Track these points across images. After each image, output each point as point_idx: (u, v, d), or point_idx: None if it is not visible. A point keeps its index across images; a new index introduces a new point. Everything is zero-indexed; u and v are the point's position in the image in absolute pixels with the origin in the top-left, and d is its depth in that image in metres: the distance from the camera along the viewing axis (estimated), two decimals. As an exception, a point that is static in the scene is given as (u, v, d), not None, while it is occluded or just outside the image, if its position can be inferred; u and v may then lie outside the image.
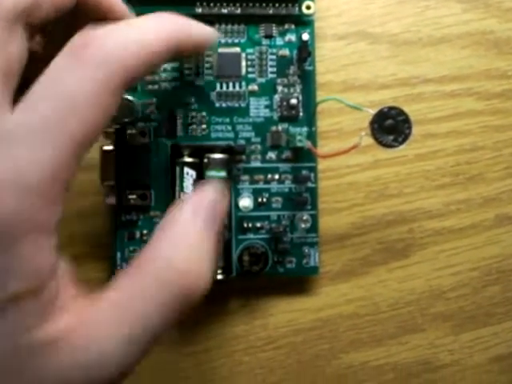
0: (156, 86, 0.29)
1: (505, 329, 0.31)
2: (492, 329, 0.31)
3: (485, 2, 0.31)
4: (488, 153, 0.31)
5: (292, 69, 0.29)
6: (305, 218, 0.29)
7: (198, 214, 0.21)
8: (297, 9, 0.29)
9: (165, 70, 0.29)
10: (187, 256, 0.20)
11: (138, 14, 0.28)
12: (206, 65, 0.29)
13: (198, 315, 0.30)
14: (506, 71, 0.31)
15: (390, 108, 0.26)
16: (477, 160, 0.31)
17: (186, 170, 0.28)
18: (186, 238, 0.21)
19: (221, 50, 0.29)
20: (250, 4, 0.29)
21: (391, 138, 0.26)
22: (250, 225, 0.29)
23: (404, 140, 0.26)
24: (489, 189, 0.31)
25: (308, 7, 0.29)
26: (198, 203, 0.22)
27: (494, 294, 0.31)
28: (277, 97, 0.29)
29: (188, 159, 0.28)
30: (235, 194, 0.29)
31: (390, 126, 0.26)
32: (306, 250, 0.29)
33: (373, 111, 0.26)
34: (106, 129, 0.28)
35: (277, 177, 0.29)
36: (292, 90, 0.29)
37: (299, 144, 0.28)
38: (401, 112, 0.26)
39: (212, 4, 0.29)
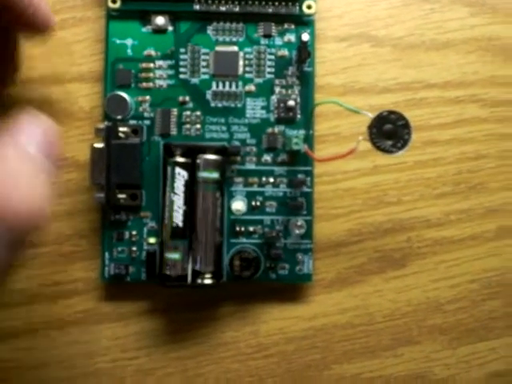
0: (150, 84, 0.28)
1: (503, 344, 0.30)
2: (490, 343, 0.30)
3: (492, 7, 0.30)
4: (491, 161, 0.30)
5: (290, 70, 0.29)
6: (299, 223, 0.28)
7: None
8: (297, 8, 0.28)
9: (160, 68, 0.28)
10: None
11: (137, 10, 0.28)
12: (203, 63, 0.28)
13: (186, 320, 0.29)
14: (513, 78, 0.30)
15: (390, 112, 0.25)
16: (479, 169, 0.30)
17: (177, 170, 0.27)
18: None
19: (218, 48, 0.29)
20: (249, 2, 0.28)
21: (390, 143, 0.25)
22: (243, 229, 0.28)
23: (403, 146, 0.25)
24: (491, 199, 0.30)
25: (309, 7, 0.28)
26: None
27: (493, 308, 0.30)
28: (274, 98, 0.29)
29: (180, 159, 0.27)
30: (228, 196, 0.28)
31: (389, 131, 0.25)
32: (300, 257, 0.28)
33: (372, 115, 0.25)
34: (96, 125, 0.27)
35: (272, 180, 0.29)
36: (290, 91, 0.29)
37: (295, 147, 0.27)
38: (401, 117, 0.25)
39: (210, 1, 0.28)
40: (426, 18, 0.30)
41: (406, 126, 0.25)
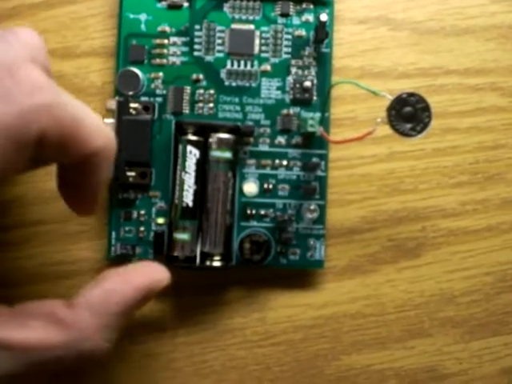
0: (164, 60, 0.28)
1: (517, 339, 0.29)
2: (503, 338, 0.29)
3: (514, -5, 0.30)
4: (510, 152, 0.29)
5: (307, 50, 0.28)
6: (312, 207, 0.27)
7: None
8: (316, -12, 0.28)
9: (174, 44, 0.28)
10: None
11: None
12: (218, 41, 0.28)
13: (193, 304, 0.28)
14: (533, 68, 0.30)
15: (410, 94, 0.24)
16: (497, 159, 0.29)
17: (189, 148, 0.26)
18: None
19: (234, 26, 0.28)
20: (268, -21, 0.27)
21: (409, 126, 0.24)
22: (254, 211, 0.28)
23: (422, 129, 0.24)
24: (508, 190, 0.29)
25: (328, -13, 0.28)
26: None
27: (507, 302, 0.29)
28: (290, 78, 0.28)
29: (192, 137, 0.26)
30: (240, 178, 0.28)
31: (409, 114, 0.24)
32: (312, 242, 0.28)
33: (391, 97, 0.24)
34: (107, 105, 0.26)
35: (285, 163, 0.28)
36: (306, 72, 0.28)
37: (311, 129, 0.27)
38: (421, 99, 0.24)
39: (227, -23, 0.27)
40: (445, 3, 0.29)
41: (426, 109, 0.24)
